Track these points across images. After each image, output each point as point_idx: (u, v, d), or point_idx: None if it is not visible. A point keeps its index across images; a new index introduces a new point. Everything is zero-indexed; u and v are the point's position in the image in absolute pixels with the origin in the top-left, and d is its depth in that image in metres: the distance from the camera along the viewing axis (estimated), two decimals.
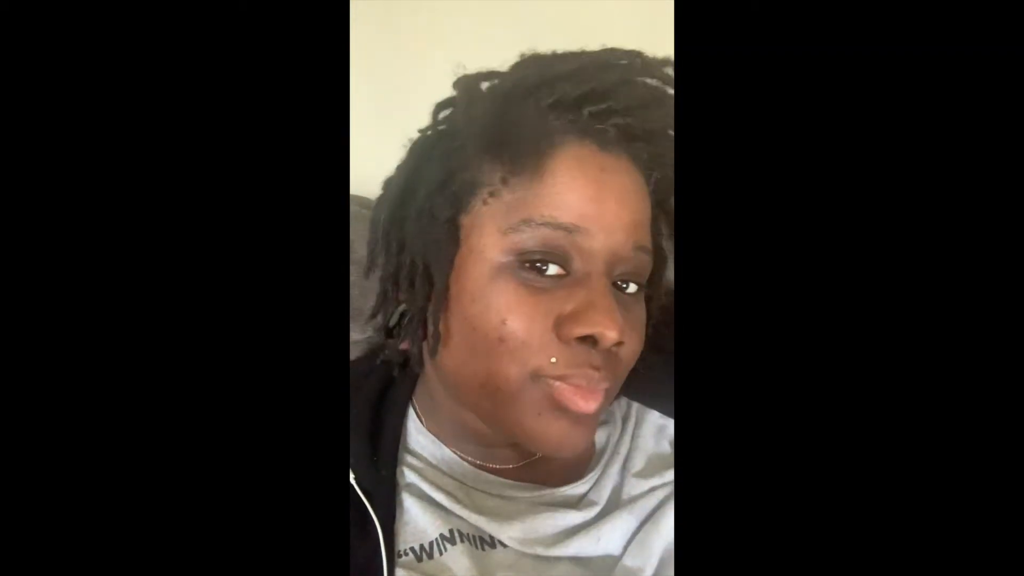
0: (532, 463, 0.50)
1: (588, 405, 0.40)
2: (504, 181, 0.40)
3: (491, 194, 0.40)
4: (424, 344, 0.46)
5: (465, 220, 0.41)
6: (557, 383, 0.40)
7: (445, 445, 0.49)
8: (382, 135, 0.48)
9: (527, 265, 0.40)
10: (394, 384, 0.52)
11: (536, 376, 0.40)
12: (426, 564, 0.42)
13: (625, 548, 0.46)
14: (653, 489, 0.48)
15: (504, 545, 0.44)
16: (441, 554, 0.43)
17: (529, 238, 0.39)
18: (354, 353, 0.58)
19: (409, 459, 0.48)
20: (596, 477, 0.49)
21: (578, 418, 0.41)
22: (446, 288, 0.42)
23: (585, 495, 0.48)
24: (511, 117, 0.41)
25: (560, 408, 0.40)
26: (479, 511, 0.45)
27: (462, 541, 0.43)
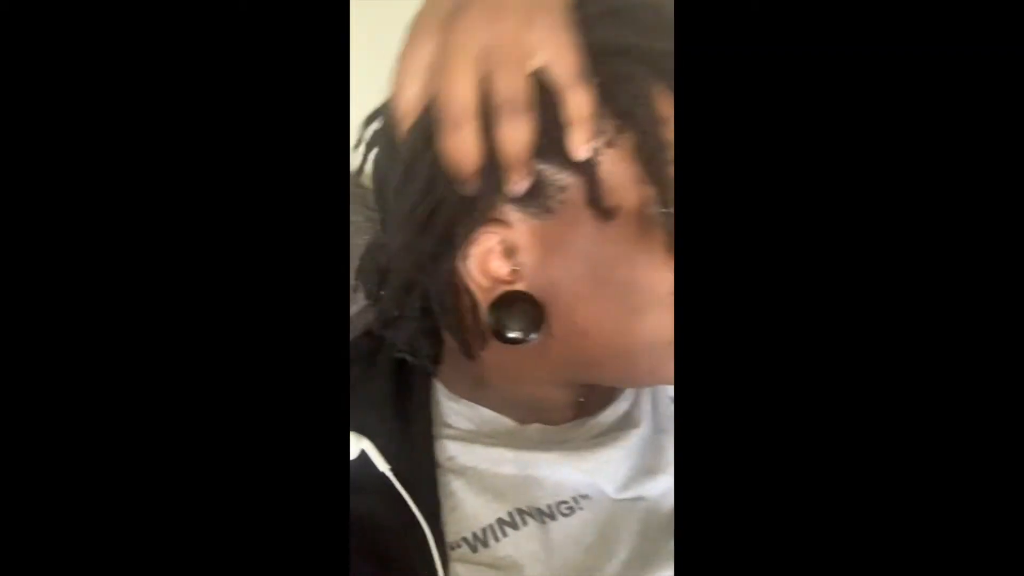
0: (577, 413, 0.48)
1: None
2: (619, 129, 0.36)
3: (607, 143, 0.36)
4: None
5: (571, 179, 0.36)
6: None
7: (484, 407, 0.46)
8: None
9: (667, 204, 0.36)
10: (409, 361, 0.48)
11: None
12: (483, 554, 0.40)
13: None
14: None
15: (568, 511, 0.42)
16: (498, 540, 0.40)
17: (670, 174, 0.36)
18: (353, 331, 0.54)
19: (447, 431, 0.44)
20: (633, 395, 0.48)
21: None
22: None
23: (630, 412, 0.48)
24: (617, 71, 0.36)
25: None
26: (547, 453, 0.43)
27: (525, 523, 0.41)
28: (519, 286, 0.38)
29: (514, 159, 0.35)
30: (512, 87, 0.34)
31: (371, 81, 0.41)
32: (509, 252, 0.38)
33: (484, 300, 0.38)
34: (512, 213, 0.37)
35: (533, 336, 0.38)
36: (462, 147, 0.34)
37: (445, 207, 0.37)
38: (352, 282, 0.50)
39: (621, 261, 0.37)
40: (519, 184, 0.35)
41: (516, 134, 0.34)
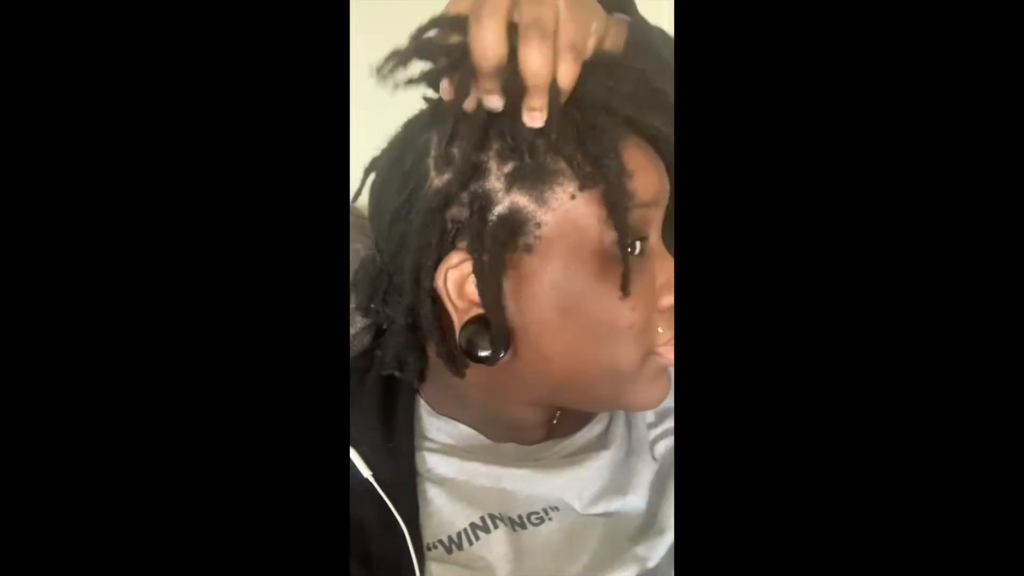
0: (549, 433, 0.51)
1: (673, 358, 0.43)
2: (591, 177, 0.39)
3: (580, 188, 0.39)
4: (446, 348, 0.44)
5: (548, 217, 0.39)
6: (662, 349, 0.42)
7: (462, 424, 0.49)
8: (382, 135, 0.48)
9: (626, 247, 0.40)
10: (396, 377, 0.51)
11: (649, 351, 0.42)
12: (457, 555, 0.43)
13: (648, 498, 0.48)
14: (662, 435, 0.51)
15: (538, 520, 0.45)
16: (471, 543, 0.43)
17: (633, 220, 0.40)
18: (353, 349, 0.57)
19: (427, 444, 0.48)
20: (607, 418, 0.52)
21: (670, 373, 0.45)
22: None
23: (604, 435, 0.51)
24: (594, 124, 0.40)
25: (663, 370, 0.44)
26: (520, 470, 0.46)
27: (495, 527, 0.43)
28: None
29: (535, 80, 0.37)
30: (541, 13, 0.36)
31: (371, 83, 0.42)
32: None
33: (459, 320, 0.42)
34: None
35: (501, 356, 0.41)
36: (488, 37, 0.37)
37: (431, 225, 0.40)
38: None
39: (585, 295, 0.40)
40: (537, 113, 0.37)
41: (539, 55, 0.36)
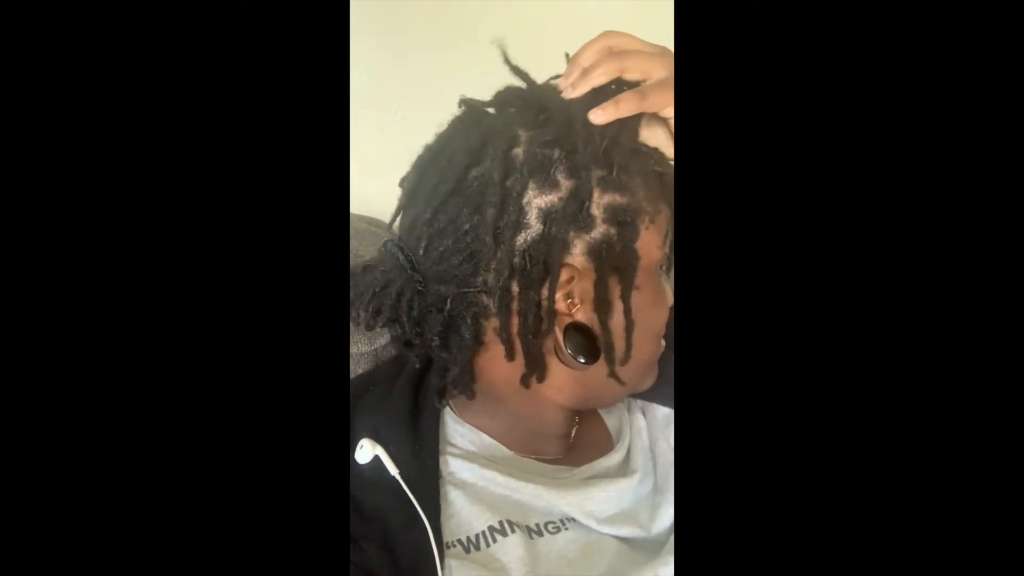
0: (568, 453, 0.55)
1: None
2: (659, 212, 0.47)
3: (651, 220, 0.46)
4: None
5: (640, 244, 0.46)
6: (663, 340, 0.52)
7: (486, 434, 0.52)
8: (385, 153, 0.48)
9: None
10: (425, 381, 0.54)
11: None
12: (475, 555, 0.45)
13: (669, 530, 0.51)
14: None
15: (555, 529, 0.47)
16: (489, 545, 0.45)
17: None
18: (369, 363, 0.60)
19: (450, 449, 0.51)
20: (626, 446, 0.56)
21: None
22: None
23: (623, 463, 0.54)
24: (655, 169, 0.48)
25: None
26: (534, 485, 0.48)
27: (513, 531, 0.46)
28: (578, 317, 0.47)
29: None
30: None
31: (372, 85, 0.42)
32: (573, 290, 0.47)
33: (560, 327, 0.46)
34: (584, 263, 0.46)
35: (592, 360, 0.47)
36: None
37: (543, 244, 0.45)
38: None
39: (651, 304, 0.48)
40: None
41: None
